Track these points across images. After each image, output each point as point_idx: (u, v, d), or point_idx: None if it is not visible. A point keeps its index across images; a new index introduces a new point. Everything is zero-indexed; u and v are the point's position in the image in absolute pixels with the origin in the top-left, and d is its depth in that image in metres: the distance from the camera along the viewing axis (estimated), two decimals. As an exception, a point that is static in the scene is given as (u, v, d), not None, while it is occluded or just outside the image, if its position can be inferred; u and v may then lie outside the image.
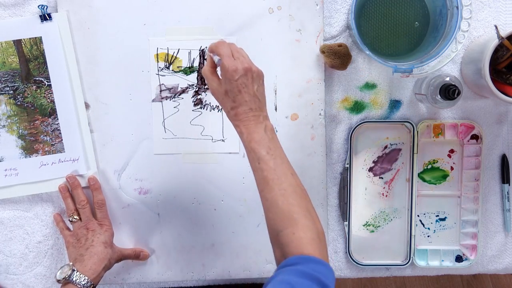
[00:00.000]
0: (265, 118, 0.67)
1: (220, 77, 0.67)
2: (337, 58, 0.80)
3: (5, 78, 0.81)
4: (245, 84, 0.65)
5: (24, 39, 0.81)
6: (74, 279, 0.72)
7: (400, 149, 0.86)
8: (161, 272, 0.86)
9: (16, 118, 0.82)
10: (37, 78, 0.82)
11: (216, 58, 0.68)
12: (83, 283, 0.72)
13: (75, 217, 0.81)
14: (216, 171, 0.84)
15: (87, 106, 0.83)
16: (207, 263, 0.86)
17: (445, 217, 0.88)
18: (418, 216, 0.88)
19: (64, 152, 0.83)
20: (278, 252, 0.62)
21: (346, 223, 0.86)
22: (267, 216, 0.64)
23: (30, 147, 0.83)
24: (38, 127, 0.82)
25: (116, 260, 0.80)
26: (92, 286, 0.73)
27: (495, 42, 0.75)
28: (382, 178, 0.87)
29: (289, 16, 0.82)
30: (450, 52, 0.75)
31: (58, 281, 0.73)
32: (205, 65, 0.70)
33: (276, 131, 0.84)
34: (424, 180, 0.87)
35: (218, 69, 0.69)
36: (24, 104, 0.82)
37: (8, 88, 0.82)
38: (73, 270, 0.73)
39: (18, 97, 0.82)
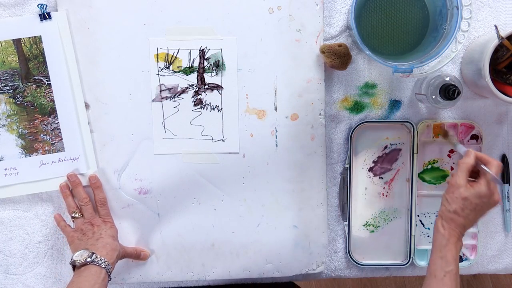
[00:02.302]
0: (461, 238, 0.71)
1: (472, 185, 0.69)
2: (337, 58, 0.80)
3: (4, 77, 0.81)
4: (482, 210, 0.69)
5: (23, 38, 0.80)
6: (95, 259, 0.72)
7: (400, 149, 0.86)
8: (161, 272, 0.86)
9: (16, 117, 0.82)
10: (36, 77, 0.81)
11: (486, 169, 0.68)
12: (103, 265, 0.72)
13: (78, 214, 0.81)
14: (216, 171, 0.84)
15: (87, 106, 0.83)
16: (207, 263, 0.86)
17: (445, 217, 0.88)
18: (418, 216, 0.88)
19: (64, 151, 0.83)
20: None
21: (346, 223, 0.86)
22: None
23: (30, 146, 0.83)
24: (38, 126, 0.82)
25: (121, 257, 0.80)
26: (111, 270, 0.73)
27: (495, 42, 0.75)
28: (382, 178, 0.87)
29: (289, 16, 0.82)
30: (450, 52, 0.75)
31: (74, 263, 0.72)
32: (468, 159, 0.71)
33: (276, 131, 0.84)
34: (424, 180, 0.87)
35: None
36: (24, 103, 0.82)
37: (7, 87, 0.82)
38: (93, 253, 0.73)
39: (18, 96, 0.82)
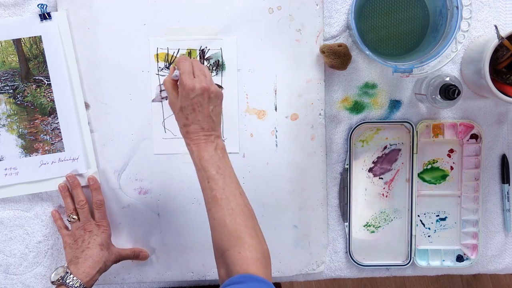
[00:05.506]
0: (216, 138, 0.68)
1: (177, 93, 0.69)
2: (337, 58, 0.80)
3: (4, 77, 0.81)
4: (200, 103, 0.66)
5: (23, 38, 0.80)
6: (67, 281, 0.72)
7: (399, 149, 0.86)
8: (161, 272, 0.86)
9: (16, 117, 0.82)
10: (36, 77, 0.81)
11: (176, 73, 0.69)
12: (76, 285, 0.72)
13: (74, 217, 0.81)
14: (216, 171, 0.84)
15: (87, 106, 0.83)
16: (207, 263, 0.86)
17: (446, 217, 0.88)
18: (418, 216, 0.88)
19: (64, 151, 0.83)
20: (223, 271, 0.63)
21: (347, 223, 0.86)
22: (213, 235, 0.65)
23: (30, 146, 0.83)
24: (38, 126, 0.82)
25: (113, 262, 0.80)
26: (86, 285, 0.73)
27: (495, 42, 0.75)
28: (382, 178, 0.87)
29: (289, 16, 0.82)
30: (450, 52, 0.75)
31: (52, 282, 0.74)
32: (167, 76, 0.71)
33: (276, 131, 0.84)
34: (424, 180, 0.87)
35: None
36: (24, 103, 0.82)
37: (8, 87, 0.82)
38: (67, 273, 0.73)
39: (18, 96, 0.82)
